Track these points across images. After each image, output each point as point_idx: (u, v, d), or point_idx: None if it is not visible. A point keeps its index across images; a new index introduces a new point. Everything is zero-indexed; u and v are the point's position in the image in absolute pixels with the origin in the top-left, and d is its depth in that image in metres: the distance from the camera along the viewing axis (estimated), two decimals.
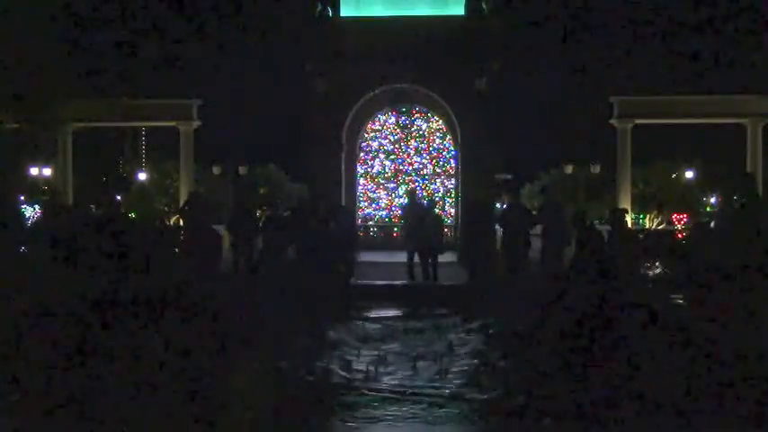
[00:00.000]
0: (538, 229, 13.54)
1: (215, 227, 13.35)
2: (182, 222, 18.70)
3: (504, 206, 14.18)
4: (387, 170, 26.21)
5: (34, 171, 32.22)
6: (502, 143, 22.69)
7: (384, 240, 25.25)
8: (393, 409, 5.88)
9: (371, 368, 6.95)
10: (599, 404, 5.85)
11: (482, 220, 13.51)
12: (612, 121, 24.74)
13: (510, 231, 12.88)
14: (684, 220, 34.23)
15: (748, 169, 22.34)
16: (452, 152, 25.35)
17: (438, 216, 15.30)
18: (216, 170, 33.87)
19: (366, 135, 25.92)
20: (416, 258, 13.96)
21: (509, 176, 30.70)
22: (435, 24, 21.89)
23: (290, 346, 7.82)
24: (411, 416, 5.79)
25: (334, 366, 7.04)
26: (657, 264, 13.40)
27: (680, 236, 20.06)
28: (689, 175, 35.95)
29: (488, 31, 21.84)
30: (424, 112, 25.75)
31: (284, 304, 9.06)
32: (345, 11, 23.22)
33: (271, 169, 35.75)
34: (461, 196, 22.52)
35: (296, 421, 5.62)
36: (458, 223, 22.79)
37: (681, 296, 9.69)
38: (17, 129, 23.01)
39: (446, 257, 15.05)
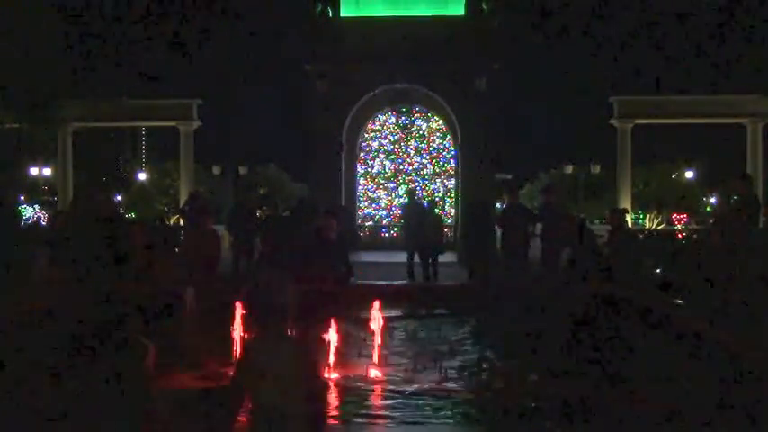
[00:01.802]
0: (538, 228, 13.56)
1: (215, 227, 13.35)
2: (182, 222, 18.70)
3: (504, 206, 14.20)
4: (387, 170, 26.19)
5: (34, 171, 32.24)
6: (502, 143, 22.69)
7: (383, 240, 25.23)
8: (393, 410, 5.88)
9: (371, 368, 6.96)
10: (599, 404, 5.85)
11: (482, 220, 13.51)
12: (612, 121, 24.75)
13: (510, 231, 12.89)
14: (684, 220, 34.24)
15: (748, 169, 22.35)
16: (452, 152, 25.33)
17: (438, 216, 15.32)
18: (216, 170, 33.92)
19: (366, 135, 25.91)
20: (416, 258, 13.96)
21: (509, 176, 30.71)
22: (435, 24, 21.90)
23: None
24: (411, 416, 5.79)
25: (334, 366, 7.03)
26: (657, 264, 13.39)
27: (680, 236, 20.06)
28: (689, 175, 35.98)
29: (488, 31, 21.85)
30: (423, 112, 25.73)
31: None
32: (345, 11, 23.23)
33: (271, 169, 35.78)
34: (461, 196, 22.52)
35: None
36: (458, 223, 22.79)
37: (680, 296, 9.69)
38: (17, 129, 23.02)
39: (446, 257, 15.05)
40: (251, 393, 3.23)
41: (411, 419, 5.67)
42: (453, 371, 6.87)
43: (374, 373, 6.85)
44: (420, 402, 6.03)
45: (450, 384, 6.52)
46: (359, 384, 6.54)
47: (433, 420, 5.66)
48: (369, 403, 5.99)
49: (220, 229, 14.39)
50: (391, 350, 7.59)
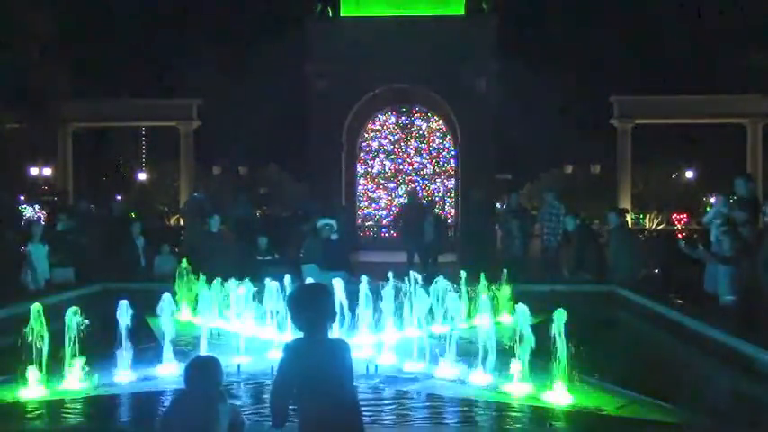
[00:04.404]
0: (537, 228, 13.59)
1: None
2: (182, 222, 18.70)
3: (504, 206, 14.24)
4: (387, 170, 26.19)
5: (34, 171, 32.20)
6: (502, 143, 22.66)
7: (383, 240, 25.21)
8: (393, 409, 5.88)
9: (370, 367, 6.97)
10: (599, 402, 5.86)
11: (482, 220, 13.55)
12: (612, 121, 24.76)
13: (508, 231, 12.92)
14: (684, 220, 34.21)
15: (748, 169, 22.37)
16: (452, 152, 25.34)
17: (438, 216, 15.33)
18: (216, 170, 33.88)
19: (366, 135, 25.91)
20: (416, 258, 13.96)
21: (509, 176, 30.69)
22: (435, 24, 21.90)
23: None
24: (411, 416, 5.80)
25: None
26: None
27: (680, 236, 20.06)
28: (689, 175, 35.95)
29: (488, 31, 21.85)
30: (423, 112, 25.73)
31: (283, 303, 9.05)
32: (345, 11, 23.23)
33: (271, 169, 35.73)
34: (461, 196, 22.52)
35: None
36: (458, 223, 22.79)
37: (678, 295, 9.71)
38: (17, 129, 23.04)
39: (446, 257, 15.04)
40: (296, 392, 3.33)
41: (410, 419, 5.68)
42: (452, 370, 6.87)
43: (373, 371, 6.86)
44: (419, 402, 6.06)
45: (451, 384, 6.53)
46: (357, 383, 6.55)
47: (433, 420, 5.67)
48: (367, 403, 5.98)
49: (222, 228, 14.40)
50: (390, 349, 7.58)
